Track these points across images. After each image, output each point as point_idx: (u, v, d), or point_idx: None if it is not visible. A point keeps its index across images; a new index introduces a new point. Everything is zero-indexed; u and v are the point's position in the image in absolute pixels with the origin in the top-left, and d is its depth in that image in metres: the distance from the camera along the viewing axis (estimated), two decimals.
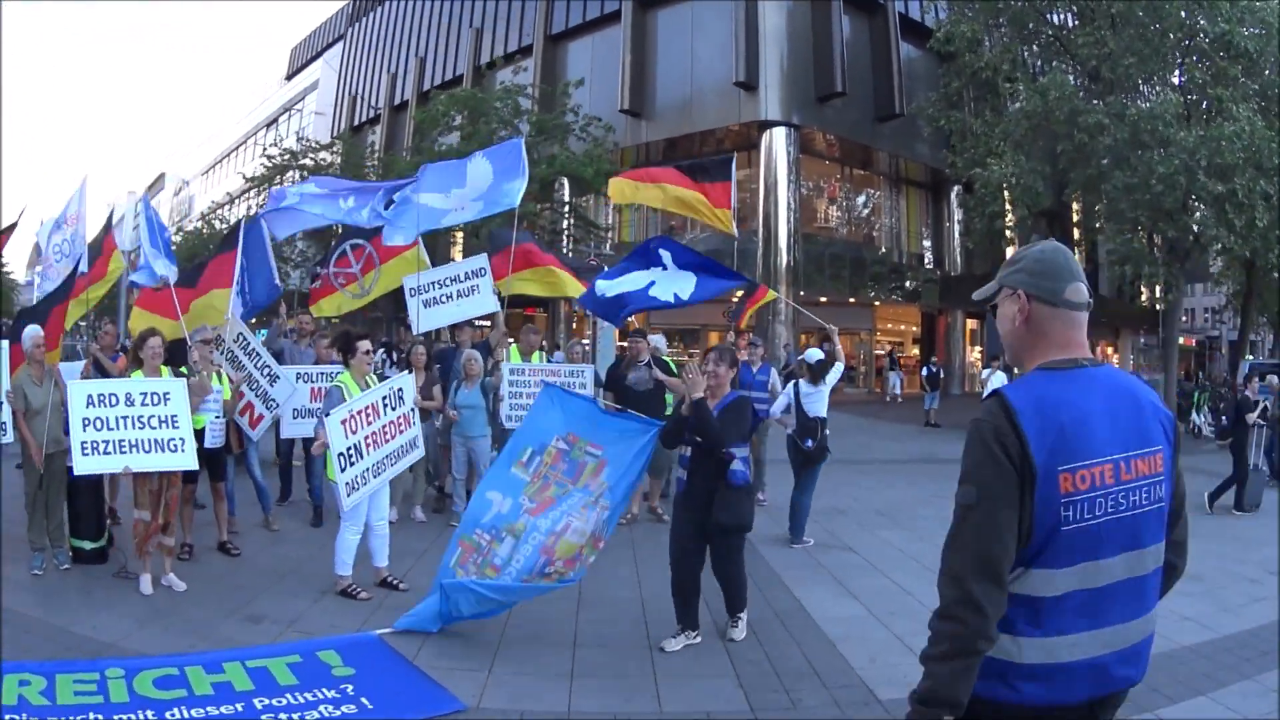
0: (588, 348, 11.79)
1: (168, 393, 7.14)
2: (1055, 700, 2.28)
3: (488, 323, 12.15)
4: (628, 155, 33.33)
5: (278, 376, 9.20)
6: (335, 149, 36.87)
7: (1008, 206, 25.92)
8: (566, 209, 31.34)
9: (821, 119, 31.87)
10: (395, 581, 7.33)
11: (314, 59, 60.57)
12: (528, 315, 38.02)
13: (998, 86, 26.16)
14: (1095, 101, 22.56)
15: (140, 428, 7.00)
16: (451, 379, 10.24)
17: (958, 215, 37.12)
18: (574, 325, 34.63)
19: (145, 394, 7.09)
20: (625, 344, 10.82)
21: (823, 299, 33.42)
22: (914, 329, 41.14)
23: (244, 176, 50.00)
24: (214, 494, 8.50)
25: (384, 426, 7.25)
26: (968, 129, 26.40)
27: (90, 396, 6.92)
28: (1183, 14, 21.80)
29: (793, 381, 9.77)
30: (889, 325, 40.05)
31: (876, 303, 36.54)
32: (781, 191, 30.68)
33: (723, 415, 6.08)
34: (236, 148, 63.87)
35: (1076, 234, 32.90)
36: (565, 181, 30.82)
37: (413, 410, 7.75)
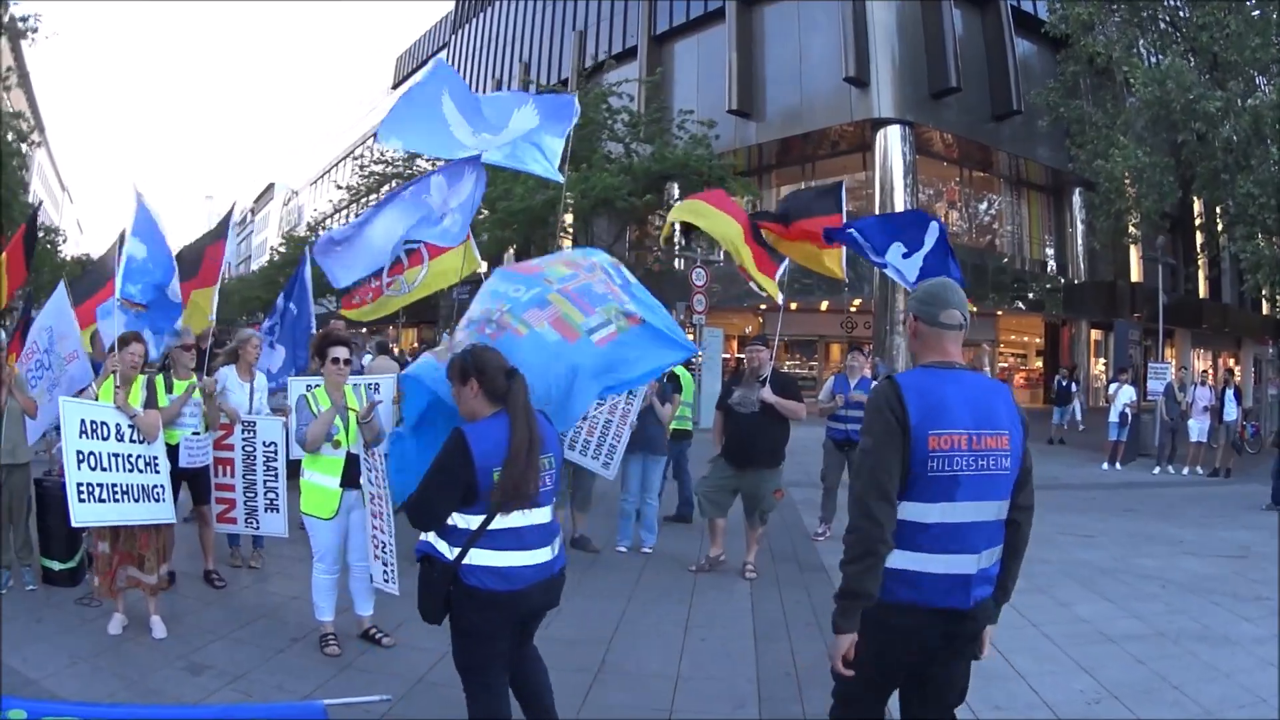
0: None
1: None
2: (918, 601, 3.13)
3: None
4: (740, 157, 32.10)
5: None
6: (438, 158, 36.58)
7: (1132, 203, 24.12)
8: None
9: (937, 117, 30.33)
10: (378, 635, 6.01)
11: (419, 68, 61.04)
12: None
13: (1115, 74, 24.42)
14: (1215, 91, 20.57)
15: (129, 470, 5.99)
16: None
17: (1080, 219, 35.28)
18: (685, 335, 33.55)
19: (132, 428, 6.10)
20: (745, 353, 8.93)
21: None
22: (1037, 340, 38.95)
23: (339, 186, 50.01)
24: (199, 519, 7.42)
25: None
26: (1088, 119, 24.82)
27: (84, 423, 5.85)
28: None
29: None
30: (1012, 336, 38.11)
31: (999, 312, 34.54)
32: (898, 194, 29.13)
33: None
34: (344, 157, 64.63)
35: (1200, 238, 30.54)
36: (676, 186, 30.06)
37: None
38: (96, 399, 6.26)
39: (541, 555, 3.89)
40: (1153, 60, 24.05)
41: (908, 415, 3.10)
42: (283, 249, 57.33)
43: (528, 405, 3.84)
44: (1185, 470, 17.31)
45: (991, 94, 31.20)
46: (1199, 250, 31.32)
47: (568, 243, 31.94)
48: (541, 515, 3.90)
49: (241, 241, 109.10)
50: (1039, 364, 38.56)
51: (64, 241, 56.01)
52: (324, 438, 5.81)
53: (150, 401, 6.33)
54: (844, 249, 9.00)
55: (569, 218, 29.87)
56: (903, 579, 3.11)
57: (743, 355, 9.49)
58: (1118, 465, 17.90)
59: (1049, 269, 36.75)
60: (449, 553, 3.75)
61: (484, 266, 10.04)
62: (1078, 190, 33.91)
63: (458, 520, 3.76)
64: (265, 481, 7.15)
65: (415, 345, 39.88)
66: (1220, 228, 26.29)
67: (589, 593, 7.35)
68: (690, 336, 29.16)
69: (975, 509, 3.15)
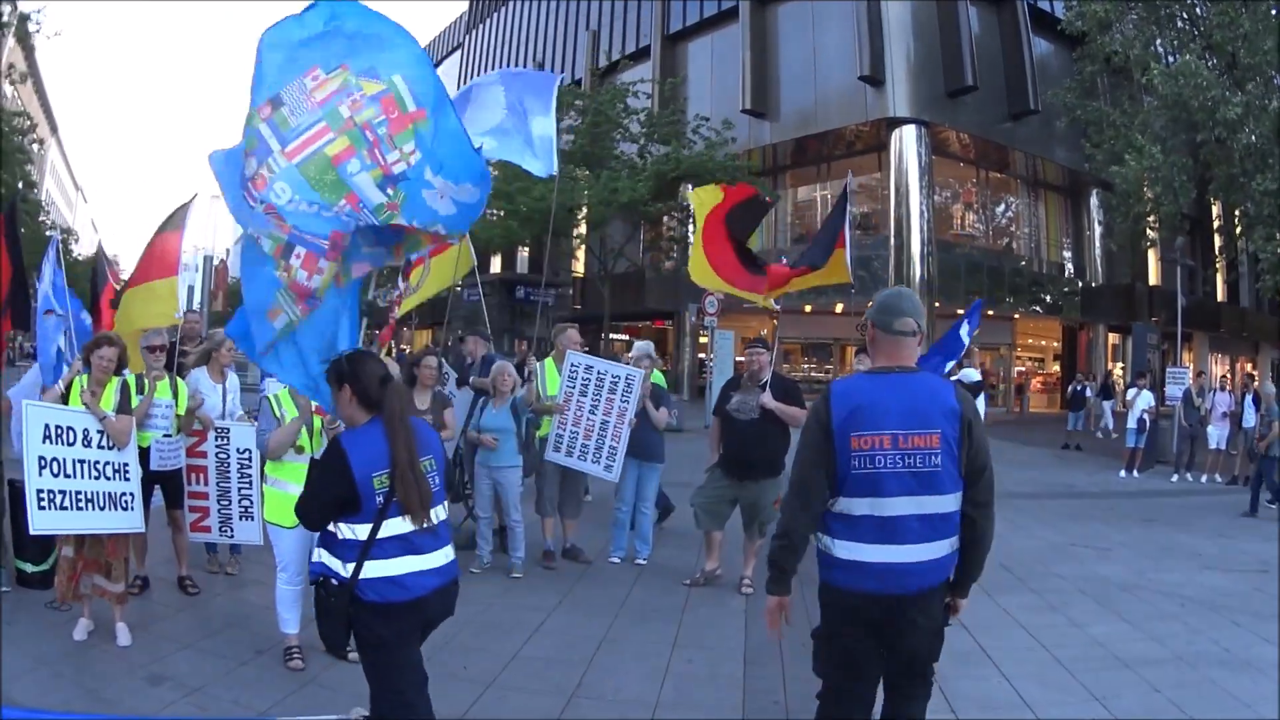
0: (649, 364, 9.20)
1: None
2: (854, 586, 3.51)
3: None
4: (755, 157, 31.81)
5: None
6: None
7: (1149, 205, 23.72)
8: (690, 215, 30.27)
9: (953, 116, 29.95)
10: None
11: (434, 67, 60.87)
12: (657, 328, 37.00)
13: (1132, 73, 23.93)
14: (1231, 92, 20.09)
15: (96, 477, 5.69)
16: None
17: (1098, 222, 34.91)
18: (698, 338, 33.18)
19: (101, 433, 5.80)
20: (744, 356, 8.90)
21: (959, 311, 31.21)
22: (1054, 344, 38.42)
23: None
24: (171, 523, 7.09)
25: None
26: (1106, 119, 24.41)
27: (49, 428, 5.57)
28: None
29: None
30: (1029, 340, 37.61)
31: (1016, 316, 34.06)
32: (913, 195, 28.81)
33: None
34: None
35: (1218, 241, 30.00)
36: (690, 187, 29.84)
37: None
38: (65, 401, 5.95)
39: (435, 560, 3.79)
40: (1170, 59, 23.62)
41: (831, 420, 3.48)
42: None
43: (403, 413, 3.78)
44: (1204, 478, 16.88)
45: (1008, 93, 30.84)
46: (1217, 253, 30.84)
47: (581, 252, 31.80)
48: (438, 515, 3.85)
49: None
50: (1056, 368, 38.08)
51: (76, 241, 56.11)
52: (289, 447, 5.57)
53: (124, 406, 6.02)
54: (847, 249, 8.60)
55: (583, 225, 29.69)
56: (842, 566, 3.52)
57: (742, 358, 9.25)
58: (1135, 473, 17.47)
59: (1066, 272, 36.27)
60: (344, 570, 3.64)
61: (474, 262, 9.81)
62: (1095, 192, 33.53)
63: (346, 532, 3.66)
64: (239, 489, 6.91)
65: (428, 346, 39.71)
66: (1239, 230, 25.84)
67: (574, 607, 7.07)
68: (702, 339, 29.07)
69: (912, 503, 3.43)
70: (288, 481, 5.55)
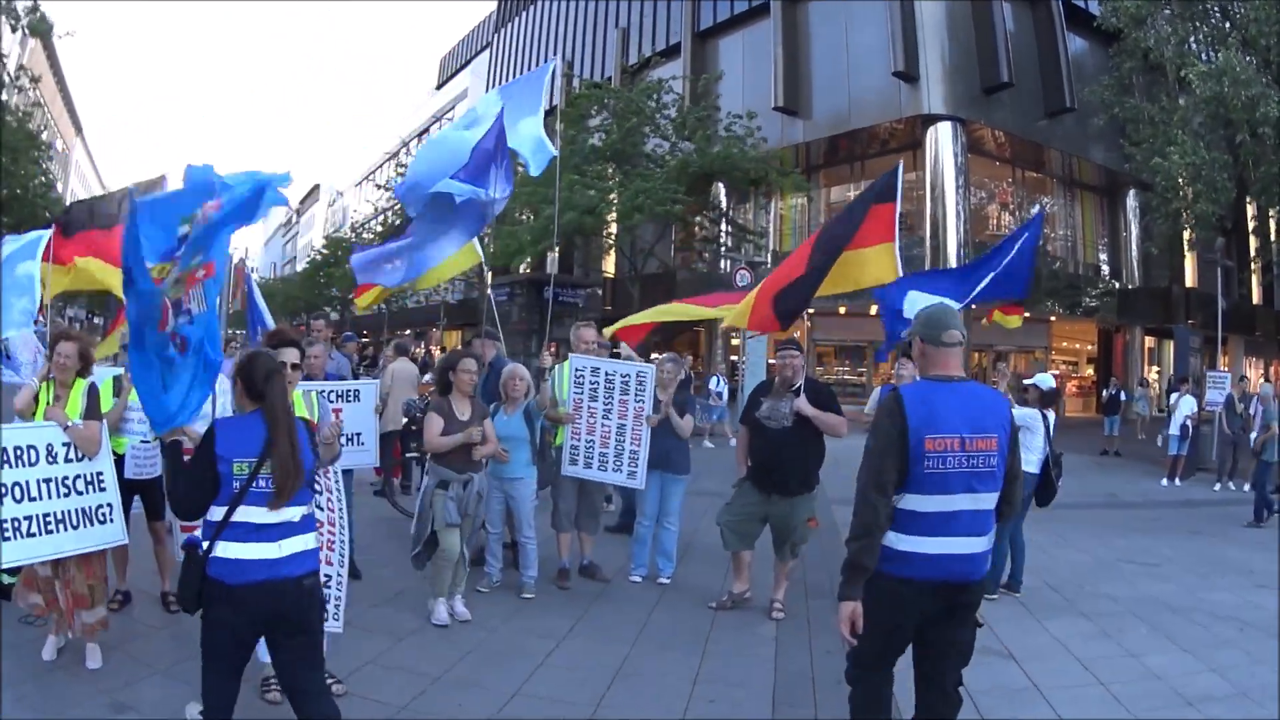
0: (680, 369, 8.82)
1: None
2: (915, 575, 3.73)
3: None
4: (786, 156, 31.38)
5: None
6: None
7: (1188, 203, 22.89)
8: (722, 215, 29.95)
9: (988, 114, 29.42)
10: (328, 681, 5.08)
11: (462, 68, 61.03)
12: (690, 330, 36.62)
13: (1168, 71, 23.40)
14: (1273, 89, 19.53)
15: (65, 494, 5.30)
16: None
17: (1134, 223, 34.22)
18: (730, 340, 32.72)
19: (68, 445, 5.39)
20: (775, 360, 8.11)
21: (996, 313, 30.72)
22: (1089, 347, 37.74)
23: (378, 186, 49.80)
24: (153, 535, 6.65)
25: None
26: (1144, 116, 23.77)
27: (6, 452, 5.13)
28: None
29: (1039, 411, 8.01)
30: (1063, 343, 36.88)
31: (1052, 318, 33.46)
32: (949, 195, 28.25)
33: None
34: (389, 159, 64.70)
35: (1254, 243, 29.26)
36: (721, 186, 29.37)
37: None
38: (33, 415, 5.56)
39: (273, 551, 3.89)
40: (1204, 56, 23.05)
41: (907, 421, 3.73)
42: (324, 251, 57.23)
43: (285, 405, 4.02)
44: (1246, 486, 16.31)
45: (1044, 91, 30.26)
46: (1253, 255, 30.07)
47: (611, 255, 31.46)
48: (290, 514, 3.97)
49: (287, 243, 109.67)
50: (1090, 371, 37.41)
51: None
52: None
53: (91, 411, 5.58)
54: (896, 242, 8.14)
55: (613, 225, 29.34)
56: (903, 559, 3.75)
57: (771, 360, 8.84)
58: (1177, 481, 16.97)
59: (1102, 273, 35.61)
60: (205, 544, 3.89)
61: (481, 258, 9.45)
62: (1132, 192, 32.97)
63: (211, 511, 3.89)
64: None
65: (459, 348, 39.36)
66: (1276, 232, 25.22)
67: (588, 632, 6.59)
68: (734, 341, 28.68)
69: (969, 500, 3.78)
70: None
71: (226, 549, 3.84)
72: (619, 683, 5.67)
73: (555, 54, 46.20)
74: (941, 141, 28.29)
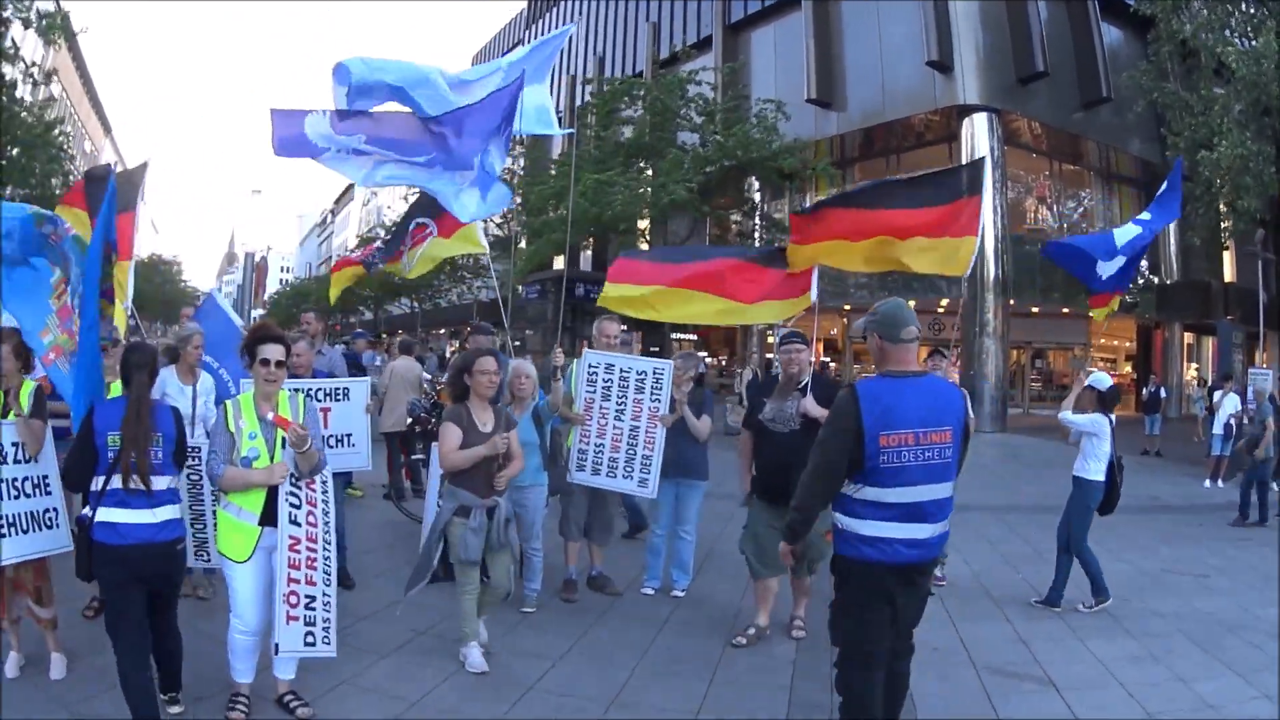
0: (692, 366, 8.13)
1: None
2: (879, 558, 4.04)
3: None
4: (821, 150, 30.92)
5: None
6: (517, 153, 36.11)
7: (1230, 193, 22.26)
8: (755, 210, 29.55)
9: (1024, 104, 28.75)
10: (294, 704, 4.97)
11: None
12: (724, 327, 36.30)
13: (1202, 57, 22.84)
14: None
15: (15, 496, 5.11)
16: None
17: None
18: (765, 337, 32.28)
19: (17, 445, 5.19)
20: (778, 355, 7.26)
21: (1034, 309, 30.44)
22: (1127, 344, 37.02)
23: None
24: None
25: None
26: (1184, 104, 23.11)
27: None
28: None
29: (1104, 415, 7.77)
30: (1101, 340, 36.19)
31: (1091, 313, 32.77)
32: (986, 189, 27.31)
33: None
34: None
35: None
36: (755, 181, 28.95)
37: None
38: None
39: (146, 517, 4.52)
40: (1242, 42, 22.43)
41: (862, 419, 3.98)
42: (355, 253, 57.58)
43: (143, 391, 4.64)
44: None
45: (1080, 80, 29.54)
46: None
47: (644, 244, 31.12)
48: (160, 483, 4.59)
49: (322, 242, 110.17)
50: (1128, 369, 36.71)
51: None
52: (247, 488, 4.85)
53: (37, 414, 5.33)
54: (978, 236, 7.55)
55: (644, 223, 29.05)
56: (869, 542, 4.06)
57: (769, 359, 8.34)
58: (1220, 483, 16.46)
59: (1141, 267, 34.91)
60: (90, 514, 4.51)
61: (486, 248, 9.00)
62: None
63: (94, 484, 4.53)
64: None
65: (478, 345, 39.23)
66: None
67: (589, 652, 6.11)
68: (770, 339, 28.27)
69: (928, 490, 4.05)
70: (241, 506, 4.86)
71: (108, 514, 4.46)
72: (616, 710, 5.24)
73: (586, 49, 46.09)
74: (978, 133, 27.58)
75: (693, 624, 6.90)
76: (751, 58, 34.23)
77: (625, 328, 8.29)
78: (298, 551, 4.87)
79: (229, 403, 4.99)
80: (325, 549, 5.03)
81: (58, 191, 28.94)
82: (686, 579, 7.70)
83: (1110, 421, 7.71)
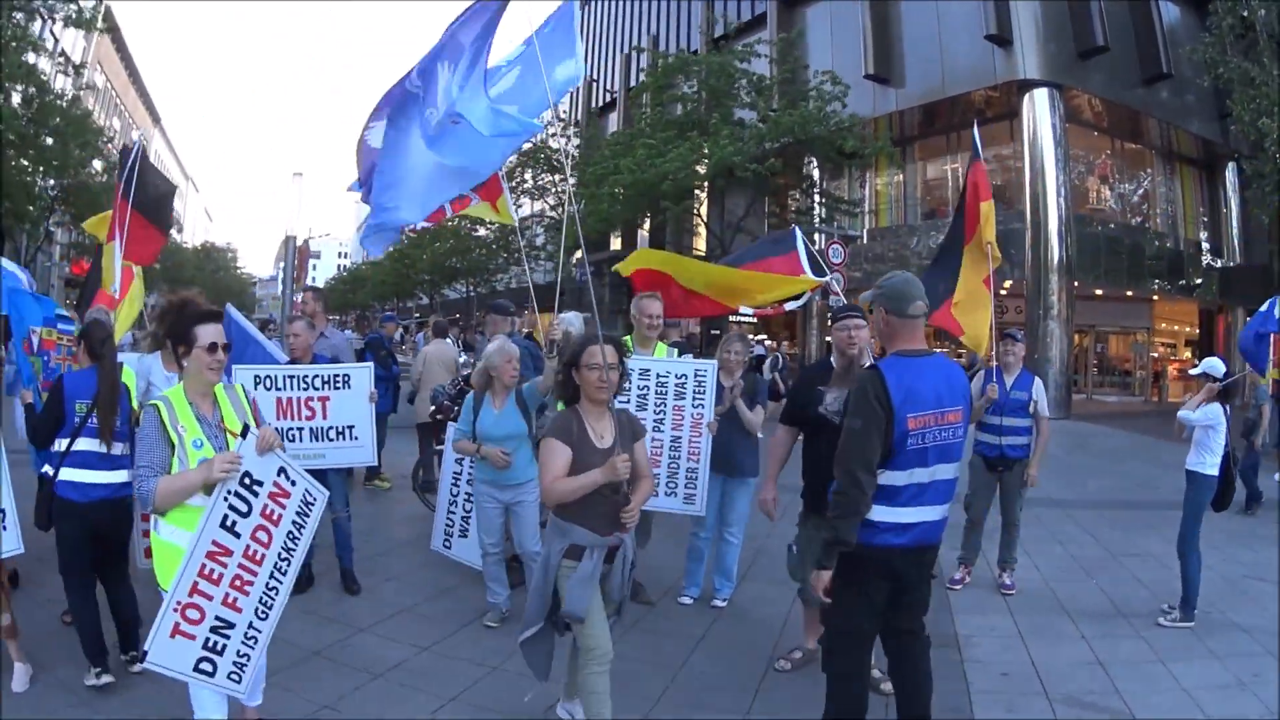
0: (749, 349, 7.45)
1: None
2: (894, 543, 3.91)
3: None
4: (880, 128, 30.57)
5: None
6: (569, 134, 36.02)
7: None
8: (814, 187, 29.26)
9: (1085, 80, 28.13)
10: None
11: None
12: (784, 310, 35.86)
13: (1259, 32, 22.30)
14: None
15: None
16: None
17: (1234, 198, 32.79)
18: (825, 320, 31.89)
19: None
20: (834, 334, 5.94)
21: (1097, 292, 29.91)
22: (1188, 328, 36.26)
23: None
24: None
25: None
26: (1247, 76, 22.48)
27: None
28: None
29: (1220, 405, 7.30)
30: (1163, 325, 35.51)
31: (1154, 297, 32.17)
32: (1049, 166, 26.87)
33: None
34: None
35: None
36: (814, 159, 28.62)
37: None
38: None
39: (108, 478, 4.98)
40: None
41: (891, 400, 3.82)
42: (412, 234, 58.06)
43: (112, 363, 5.17)
44: None
45: (1140, 55, 28.97)
46: None
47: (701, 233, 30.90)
48: (117, 448, 5.01)
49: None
50: (1188, 354, 35.95)
51: (180, 231, 57.19)
52: (188, 496, 3.91)
53: None
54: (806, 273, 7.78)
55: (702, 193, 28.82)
56: (882, 529, 3.91)
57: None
58: None
59: (1203, 250, 34.17)
60: (51, 472, 4.93)
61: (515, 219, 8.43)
62: (1230, 165, 31.56)
63: (56, 445, 4.98)
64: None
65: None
66: None
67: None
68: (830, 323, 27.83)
69: (941, 471, 3.99)
70: (178, 529, 3.94)
71: (72, 474, 4.91)
72: None
73: (641, 29, 46.00)
74: (1039, 109, 27.13)
75: (732, 641, 6.20)
76: (807, 34, 33.77)
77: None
78: (220, 562, 3.89)
79: (159, 404, 3.98)
80: (274, 579, 4.12)
81: (100, 179, 29.64)
82: (730, 587, 6.97)
83: (1226, 412, 7.26)
